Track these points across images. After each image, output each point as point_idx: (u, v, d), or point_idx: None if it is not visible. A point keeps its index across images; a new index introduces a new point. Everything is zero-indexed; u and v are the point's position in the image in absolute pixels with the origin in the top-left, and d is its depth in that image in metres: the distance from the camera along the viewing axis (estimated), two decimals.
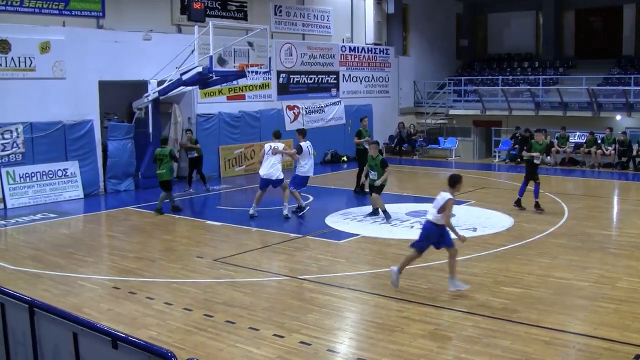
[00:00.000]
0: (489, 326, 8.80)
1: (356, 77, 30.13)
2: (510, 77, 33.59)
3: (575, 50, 35.78)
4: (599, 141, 26.38)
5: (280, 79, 26.46)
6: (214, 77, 20.00)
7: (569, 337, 8.47)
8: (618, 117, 28.49)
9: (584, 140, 27.06)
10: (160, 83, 20.84)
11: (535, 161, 16.84)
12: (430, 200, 18.13)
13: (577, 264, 11.82)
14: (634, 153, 25.38)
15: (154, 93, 20.86)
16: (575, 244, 13.35)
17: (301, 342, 8.30)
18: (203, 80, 20.07)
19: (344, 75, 29.45)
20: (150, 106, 21.25)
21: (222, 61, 20.02)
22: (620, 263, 11.92)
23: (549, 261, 12.08)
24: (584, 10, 35.80)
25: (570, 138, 27.62)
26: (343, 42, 29.98)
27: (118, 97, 22.02)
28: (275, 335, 8.55)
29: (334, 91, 28.97)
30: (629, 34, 34.03)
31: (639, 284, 10.61)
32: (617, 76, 30.72)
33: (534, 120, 29.22)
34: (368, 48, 30.92)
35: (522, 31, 37.21)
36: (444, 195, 9.99)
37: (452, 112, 32.62)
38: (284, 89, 26.68)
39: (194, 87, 21.68)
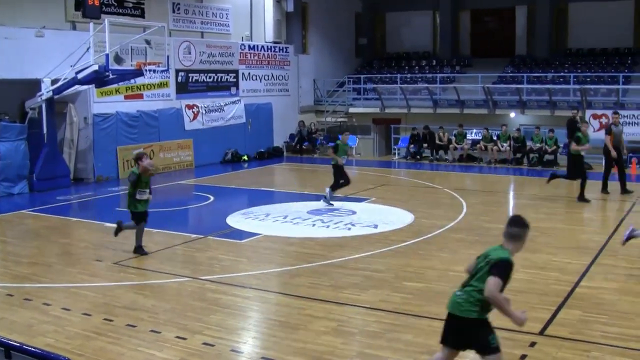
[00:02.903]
0: (391, 321, 8.90)
1: (256, 76, 30.00)
2: (409, 76, 34.14)
3: (471, 49, 36.66)
4: (495, 138, 27.09)
5: (179, 78, 26.08)
6: (111, 76, 19.66)
7: None
8: (512, 115, 29.34)
9: (481, 137, 27.75)
10: (54, 82, 20.19)
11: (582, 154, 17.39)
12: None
13: None
14: (528, 149, 26.19)
15: (48, 92, 20.21)
16: (474, 238, 13.65)
17: (204, 344, 8.19)
18: (99, 78, 19.66)
19: (243, 73, 29.26)
20: (44, 106, 20.56)
21: (119, 59, 19.64)
22: (516, 255, 12.22)
23: (448, 255, 12.32)
24: (479, 11, 36.73)
25: (468, 135, 28.28)
26: (242, 40, 29.79)
27: (9, 96, 21.13)
28: (177, 337, 8.40)
29: (233, 90, 28.76)
30: (521, 34, 35.11)
31: (534, 275, 10.95)
32: (511, 74, 31.70)
33: (432, 117, 29.79)
34: (267, 46, 30.83)
35: (419, 30, 37.84)
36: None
37: (352, 110, 32.86)
38: (183, 88, 26.31)
39: (90, 85, 21.12)
